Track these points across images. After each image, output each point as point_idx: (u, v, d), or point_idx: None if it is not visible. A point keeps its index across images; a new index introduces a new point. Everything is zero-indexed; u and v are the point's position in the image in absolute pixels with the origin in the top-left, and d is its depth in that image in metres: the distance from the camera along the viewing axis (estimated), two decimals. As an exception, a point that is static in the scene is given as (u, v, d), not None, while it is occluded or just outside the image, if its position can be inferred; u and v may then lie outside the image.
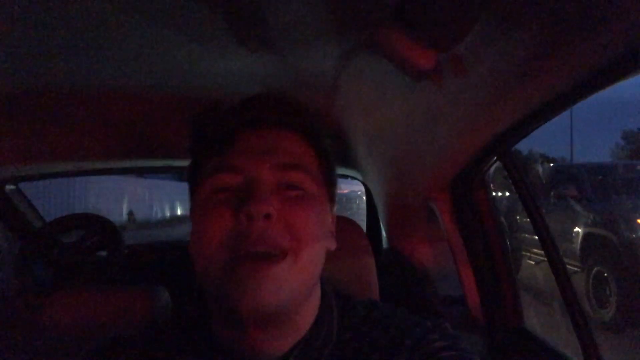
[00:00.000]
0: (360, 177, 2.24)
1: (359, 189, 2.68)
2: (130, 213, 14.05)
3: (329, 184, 0.71)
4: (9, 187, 2.23)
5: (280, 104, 0.70)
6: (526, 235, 6.64)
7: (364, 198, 2.44)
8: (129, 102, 1.42)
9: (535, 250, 6.42)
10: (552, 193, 6.35)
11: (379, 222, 2.24)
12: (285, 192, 0.62)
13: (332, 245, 0.70)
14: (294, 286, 0.59)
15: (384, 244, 2.26)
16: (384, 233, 2.24)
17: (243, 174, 0.62)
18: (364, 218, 2.41)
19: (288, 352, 0.63)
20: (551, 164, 7.15)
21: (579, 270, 5.22)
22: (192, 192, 0.70)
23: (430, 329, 0.67)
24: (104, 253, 2.02)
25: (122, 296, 1.37)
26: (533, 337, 1.43)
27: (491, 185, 1.60)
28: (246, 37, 0.99)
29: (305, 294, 0.63)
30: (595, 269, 5.02)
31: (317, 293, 0.69)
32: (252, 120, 0.67)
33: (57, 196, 10.24)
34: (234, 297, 0.56)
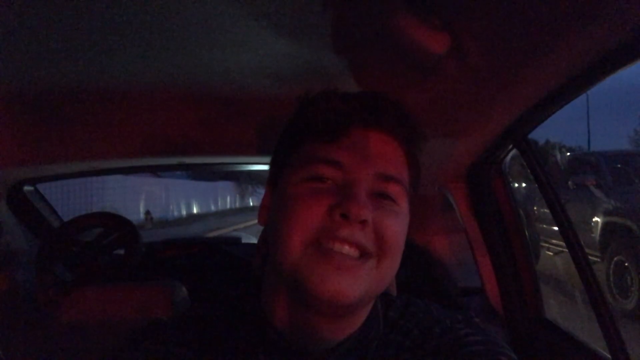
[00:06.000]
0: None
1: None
2: (147, 212, 14.20)
3: (411, 200, 0.70)
4: (27, 188, 2.26)
5: (394, 109, 0.67)
6: (543, 225, 6.57)
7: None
8: (141, 100, 1.43)
9: (554, 240, 6.34)
10: (569, 182, 6.26)
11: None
12: (378, 200, 0.62)
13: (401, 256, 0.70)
14: (370, 288, 0.61)
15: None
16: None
17: (345, 172, 0.62)
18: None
19: (343, 341, 0.64)
20: (568, 153, 7.03)
21: (598, 260, 5.14)
22: (279, 174, 0.69)
23: (460, 320, 0.70)
24: (121, 251, 2.04)
25: (141, 292, 1.38)
26: (554, 327, 1.41)
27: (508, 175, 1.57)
28: (257, 30, 0.98)
29: (375, 296, 0.66)
30: (615, 258, 4.95)
31: None
32: (366, 119, 0.65)
33: (74, 197, 10.39)
34: (315, 284, 0.57)
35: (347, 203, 0.57)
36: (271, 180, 0.72)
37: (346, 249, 0.58)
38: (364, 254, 0.59)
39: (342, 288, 0.57)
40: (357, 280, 0.58)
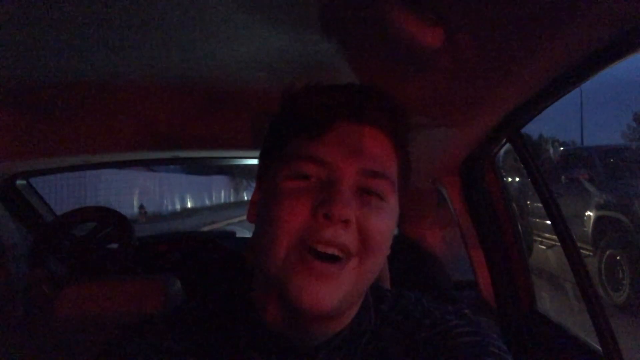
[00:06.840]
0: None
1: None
2: (141, 206, 14.17)
3: (402, 194, 0.68)
4: (20, 182, 2.25)
5: (381, 101, 0.65)
6: (536, 219, 6.60)
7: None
8: (135, 94, 1.42)
9: (546, 234, 6.38)
10: (562, 176, 6.29)
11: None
12: (364, 197, 0.61)
13: (387, 252, 0.68)
14: (354, 290, 0.60)
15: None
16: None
17: (329, 169, 0.60)
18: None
19: (335, 335, 0.64)
20: (561, 147, 7.07)
21: (591, 254, 5.18)
22: (266, 171, 0.68)
23: (450, 312, 0.70)
24: (115, 245, 2.04)
25: (134, 286, 1.38)
26: (546, 320, 1.43)
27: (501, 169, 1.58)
28: (250, 23, 0.98)
29: (361, 295, 0.65)
30: (608, 252, 4.99)
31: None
32: (351, 113, 0.63)
33: (68, 191, 10.34)
34: (294, 292, 0.57)
35: (329, 202, 0.56)
36: (259, 176, 0.71)
37: (330, 250, 0.57)
38: (346, 255, 0.58)
39: (320, 298, 0.56)
40: (337, 289, 0.57)
